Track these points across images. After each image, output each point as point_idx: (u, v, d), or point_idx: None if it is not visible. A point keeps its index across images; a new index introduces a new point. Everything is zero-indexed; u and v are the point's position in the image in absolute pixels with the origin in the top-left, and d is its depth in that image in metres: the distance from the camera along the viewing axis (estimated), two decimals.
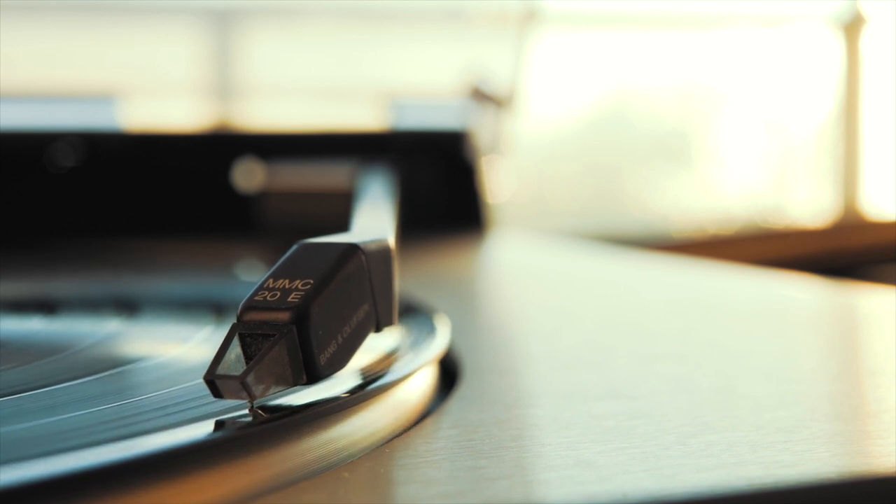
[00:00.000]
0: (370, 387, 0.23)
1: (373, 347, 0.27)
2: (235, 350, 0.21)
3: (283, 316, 0.22)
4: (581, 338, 0.36)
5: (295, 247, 0.24)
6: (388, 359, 0.26)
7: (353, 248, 0.24)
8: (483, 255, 0.67)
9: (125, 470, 0.18)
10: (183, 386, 0.24)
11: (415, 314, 0.32)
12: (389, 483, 0.21)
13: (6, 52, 0.66)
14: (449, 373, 0.29)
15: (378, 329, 0.25)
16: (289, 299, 0.22)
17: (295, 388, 0.22)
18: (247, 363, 0.21)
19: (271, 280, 0.23)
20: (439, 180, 0.71)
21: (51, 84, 0.68)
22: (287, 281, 0.22)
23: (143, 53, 0.73)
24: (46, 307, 0.38)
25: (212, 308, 0.35)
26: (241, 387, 0.20)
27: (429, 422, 0.24)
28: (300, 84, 0.75)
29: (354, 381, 0.24)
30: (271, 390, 0.21)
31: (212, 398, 0.21)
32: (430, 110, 0.73)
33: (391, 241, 0.26)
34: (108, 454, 0.18)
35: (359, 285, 0.24)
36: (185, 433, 0.20)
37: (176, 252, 0.61)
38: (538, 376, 0.30)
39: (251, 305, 0.22)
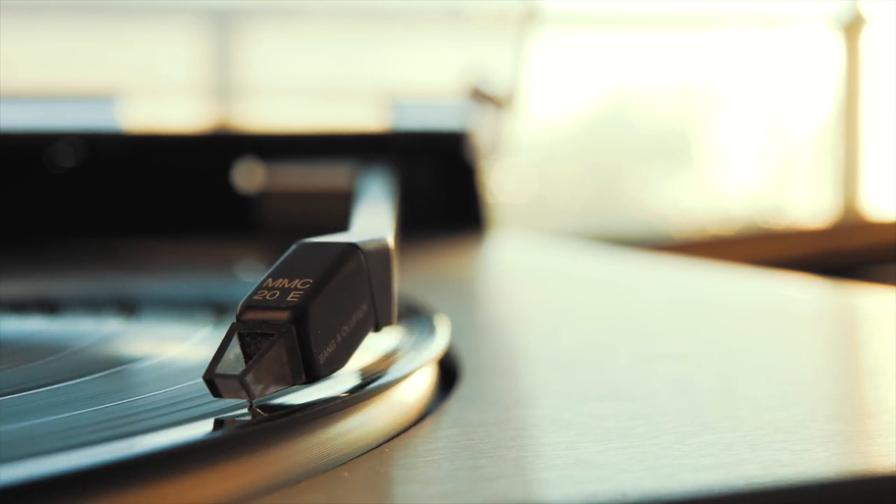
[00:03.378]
0: (370, 386, 0.23)
1: (372, 347, 0.27)
2: (234, 349, 0.21)
3: (282, 315, 0.22)
4: (581, 338, 0.36)
5: (294, 246, 0.24)
6: (388, 359, 0.26)
7: (351, 248, 0.24)
8: (483, 255, 0.67)
9: (125, 469, 0.18)
10: (182, 385, 0.24)
11: (415, 314, 0.32)
12: (389, 482, 0.21)
13: (6, 52, 0.66)
14: (449, 373, 0.29)
15: (377, 329, 0.25)
16: (288, 299, 0.22)
17: (294, 387, 0.22)
18: (246, 362, 0.21)
19: (270, 279, 0.23)
20: (439, 180, 0.71)
21: (51, 84, 0.68)
22: (286, 280, 0.23)
23: (143, 53, 0.73)
24: (47, 307, 0.38)
25: (211, 308, 0.35)
26: (241, 386, 0.20)
27: (428, 422, 0.24)
28: (300, 84, 0.75)
29: (354, 381, 0.24)
30: (270, 389, 0.21)
31: (211, 397, 0.21)
32: (430, 110, 0.73)
33: (390, 240, 0.26)
34: (108, 453, 0.18)
35: (358, 285, 0.24)
36: (184, 432, 0.20)
37: (176, 252, 0.61)
38: (538, 376, 0.30)
39: (250, 305, 0.22)
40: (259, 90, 0.76)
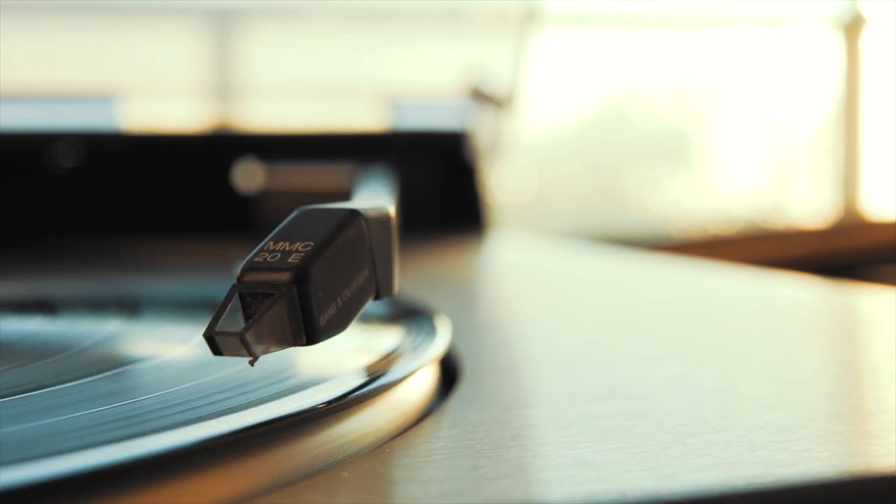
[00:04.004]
0: (371, 387, 0.23)
1: (373, 347, 0.27)
2: (235, 309, 0.21)
3: (283, 276, 0.22)
4: (581, 338, 0.36)
5: (295, 212, 0.24)
6: (389, 359, 0.26)
7: (353, 214, 0.24)
8: (483, 255, 0.67)
9: (126, 470, 0.18)
10: (183, 386, 0.24)
11: (415, 314, 0.32)
12: (389, 482, 0.21)
13: (6, 52, 0.66)
14: (449, 373, 0.29)
15: (378, 297, 0.25)
16: (289, 260, 0.22)
17: (294, 347, 0.22)
18: (246, 322, 0.21)
19: (272, 242, 0.23)
20: (439, 180, 0.71)
21: (51, 84, 0.68)
22: (287, 243, 0.23)
23: (143, 53, 0.73)
24: (47, 307, 0.38)
25: (212, 308, 0.35)
26: (241, 344, 0.20)
27: (429, 422, 0.24)
28: (300, 84, 0.75)
29: (355, 381, 0.24)
30: (271, 349, 0.21)
31: (212, 399, 0.21)
32: (430, 110, 0.73)
33: (391, 210, 0.26)
34: (109, 454, 0.18)
35: (359, 250, 0.24)
36: (185, 433, 0.20)
37: (176, 252, 0.61)
38: (538, 376, 0.30)
39: (251, 266, 0.22)
40: (259, 90, 0.76)
